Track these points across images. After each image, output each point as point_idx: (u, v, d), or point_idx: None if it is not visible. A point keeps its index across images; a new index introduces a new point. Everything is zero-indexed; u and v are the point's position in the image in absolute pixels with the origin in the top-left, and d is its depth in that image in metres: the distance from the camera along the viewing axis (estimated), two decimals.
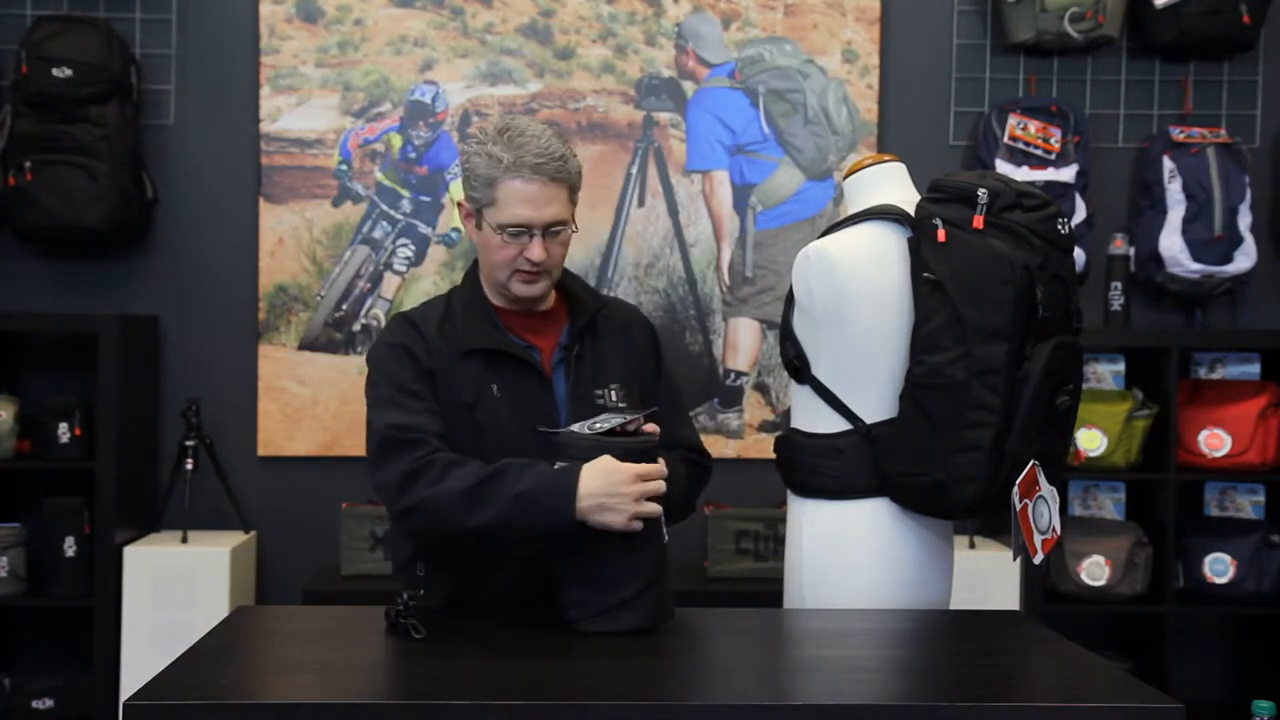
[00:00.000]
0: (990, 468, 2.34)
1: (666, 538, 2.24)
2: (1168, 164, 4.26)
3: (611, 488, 2.16)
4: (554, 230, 2.38)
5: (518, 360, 2.41)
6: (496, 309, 2.47)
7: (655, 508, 2.19)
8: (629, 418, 2.25)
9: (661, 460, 2.25)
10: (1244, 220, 4.26)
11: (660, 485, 2.20)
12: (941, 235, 2.38)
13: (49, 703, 4.05)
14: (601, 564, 2.16)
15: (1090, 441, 4.10)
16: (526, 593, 2.35)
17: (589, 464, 2.19)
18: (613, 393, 2.45)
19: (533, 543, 2.25)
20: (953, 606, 2.59)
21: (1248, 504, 4.33)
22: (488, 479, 2.22)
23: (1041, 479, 2.40)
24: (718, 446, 4.34)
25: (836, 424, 2.49)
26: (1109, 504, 4.31)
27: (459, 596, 2.38)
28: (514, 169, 2.33)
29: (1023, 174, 4.15)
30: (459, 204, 2.46)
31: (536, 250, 2.36)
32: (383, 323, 4.26)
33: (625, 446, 2.19)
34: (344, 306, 4.32)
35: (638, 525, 2.17)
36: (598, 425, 2.23)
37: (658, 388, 2.57)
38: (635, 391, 2.49)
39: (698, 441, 2.59)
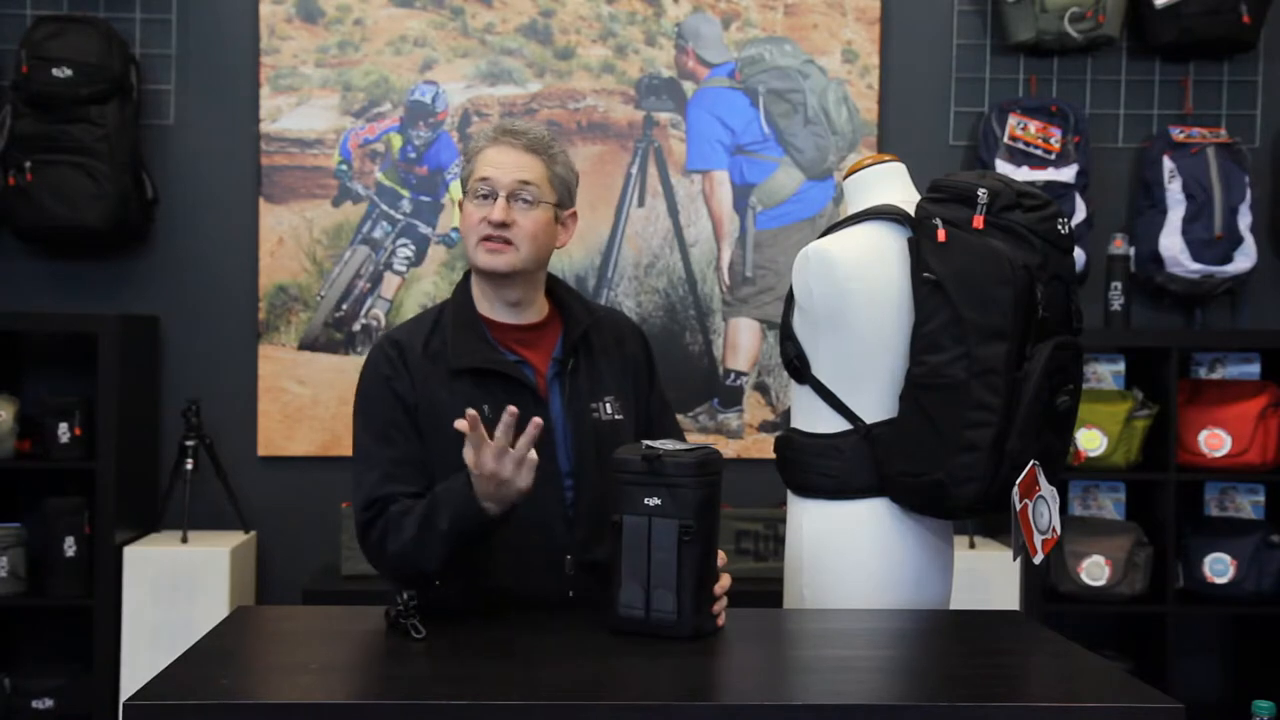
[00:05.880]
0: (990, 468, 2.34)
1: (722, 560, 2.25)
2: (1168, 164, 4.26)
3: (486, 479, 2.16)
4: (522, 196, 2.35)
5: (510, 379, 2.39)
6: (487, 322, 2.44)
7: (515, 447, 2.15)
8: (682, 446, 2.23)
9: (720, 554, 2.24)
10: (1244, 220, 4.26)
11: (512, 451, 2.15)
12: (941, 235, 2.38)
13: (49, 703, 4.05)
14: (658, 569, 2.14)
15: (1090, 441, 4.10)
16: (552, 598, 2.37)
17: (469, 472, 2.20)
18: (607, 405, 2.46)
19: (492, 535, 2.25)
20: (953, 606, 2.59)
21: (1248, 504, 4.34)
22: (421, 525, 2.24)
23: (1041, 479, 2.40)
24: (718, 446, 4.33)
25: (836, 424, 2.49)
26: (1109, 504, 4.31)
27: (480, 592, 2.35)
28: (490, 137, 2.40)
29: (1023, 174, 4.15)
30: (459, 204, 2.46)
31: (498, 210, 2.33)
32: (383, 323, 4.26)
33: (680, 460, 2.16)
34: (344, 306, 4.32)
35: (527, 474, 2.16)
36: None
37: (651, 399, 2.59)
38: (630, 404, 2.51)
39: None
